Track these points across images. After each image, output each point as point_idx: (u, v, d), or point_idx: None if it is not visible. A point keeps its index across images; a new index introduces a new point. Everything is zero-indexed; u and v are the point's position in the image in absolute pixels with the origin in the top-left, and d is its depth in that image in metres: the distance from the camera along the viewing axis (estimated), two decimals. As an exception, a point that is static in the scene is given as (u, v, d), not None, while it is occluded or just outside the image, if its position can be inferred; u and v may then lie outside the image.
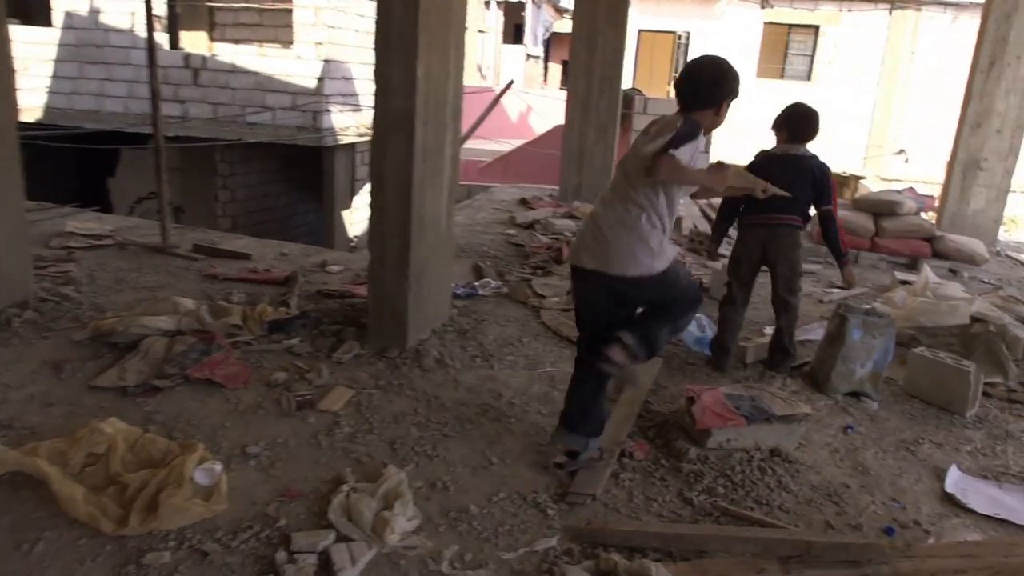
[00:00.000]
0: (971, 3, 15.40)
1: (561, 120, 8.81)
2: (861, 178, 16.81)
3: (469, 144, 13.15)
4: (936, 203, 8.92)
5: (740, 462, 2.98)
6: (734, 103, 2.68)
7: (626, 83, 14.35)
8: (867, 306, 4.33)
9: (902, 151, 16.81)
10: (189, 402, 3.16)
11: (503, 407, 3.35)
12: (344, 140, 10.98)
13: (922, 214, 7.65)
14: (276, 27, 11.72)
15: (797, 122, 3.80)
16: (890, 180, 15.98)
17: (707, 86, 2.63)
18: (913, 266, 6.65)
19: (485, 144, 13.83)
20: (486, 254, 5.97)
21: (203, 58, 10.62)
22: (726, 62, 2.70)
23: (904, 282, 5.77)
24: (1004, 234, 9.70)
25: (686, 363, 4.06)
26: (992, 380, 4.07)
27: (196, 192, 11.06)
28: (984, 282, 6.55)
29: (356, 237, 11.31)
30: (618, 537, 2.43)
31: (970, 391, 3.69)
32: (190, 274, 4.94)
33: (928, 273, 5.54)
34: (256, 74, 10.45)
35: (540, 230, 6.90)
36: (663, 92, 17.73)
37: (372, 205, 3.72)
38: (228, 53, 10.75)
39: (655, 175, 2.47)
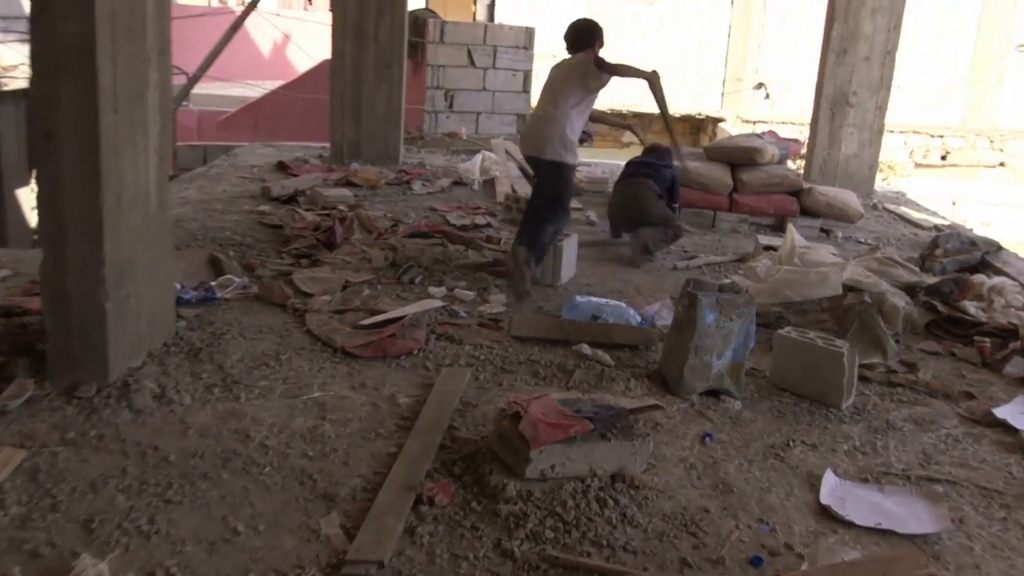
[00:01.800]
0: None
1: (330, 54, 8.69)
2: (720, 120, 18.02)
3: (203, 88, 12.71)
4: (803, 148, 9.74)
5: (573, 495, 3.07)
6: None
7: (416, 2, 14.46)
8: (725, 280, 4.63)
9: (761, 85, 18.19)
10: None
11: (253, 453, 3.27)
12: (12, 85, 10.25)
13: (788, 163, 8.34)
14: None
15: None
16: (753, 122, 17.25)
17: (585, 35, 5.42)
18: (780, 227, 7.22)
19: (227, 88, 13.37)
20: (229, 241, 5.86)
21: None
22: (592, 21, 5.56)
23: (769, 248, 6.25)
24: (882, 183, 10.79)
25: (502, 370, 4.15)
26: (870, 361, 4.50)
27: None
28: (860, 242, 7.26)
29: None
30: (413, 615, 2.42)
31: (844, 378, 4.05)
32: None
33: (794, 235, 6.03)
34: None
35: (305, 204, 6.83)
36: (466, 14, 17.98)
37: (40, 179, 3.49)
38: None
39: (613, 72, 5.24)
